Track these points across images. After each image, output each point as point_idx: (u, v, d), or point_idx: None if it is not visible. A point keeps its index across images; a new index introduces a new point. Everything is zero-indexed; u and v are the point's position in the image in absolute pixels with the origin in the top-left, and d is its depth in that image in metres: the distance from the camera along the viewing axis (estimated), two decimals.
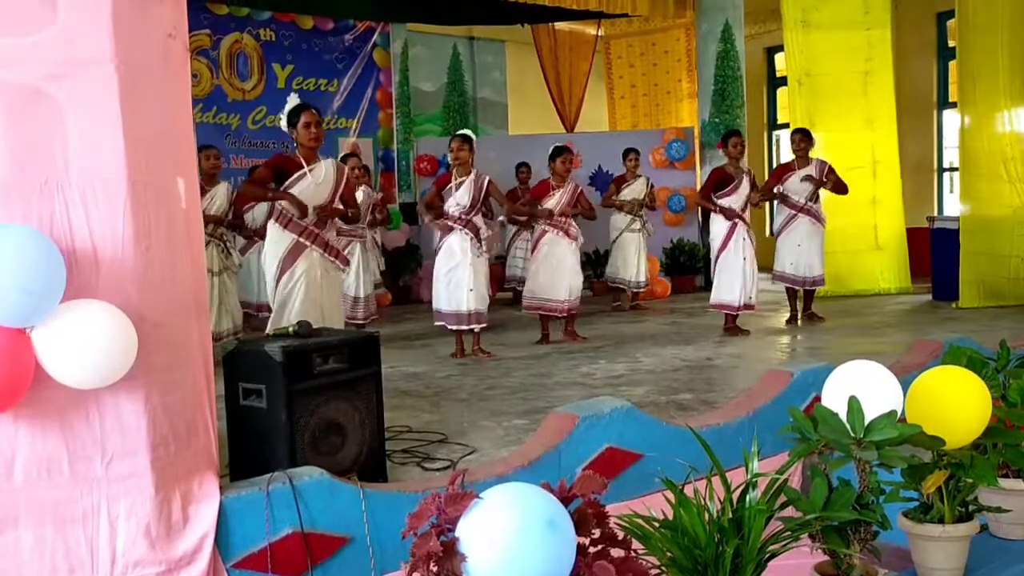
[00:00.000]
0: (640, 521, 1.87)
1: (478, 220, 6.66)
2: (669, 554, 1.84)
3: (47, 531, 2.43)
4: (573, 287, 7.28)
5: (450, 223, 6.66)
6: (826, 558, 2.06)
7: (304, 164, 5.01)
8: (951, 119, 11.60)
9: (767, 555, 1.85)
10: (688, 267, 11.37)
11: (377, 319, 8.02)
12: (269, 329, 4.76)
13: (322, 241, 5.01)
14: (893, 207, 10.32)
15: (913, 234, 10.32)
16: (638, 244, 9.33)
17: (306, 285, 4.90)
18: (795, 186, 7.95)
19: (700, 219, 11.40)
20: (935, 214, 11.24)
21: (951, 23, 10.96)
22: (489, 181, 6.70)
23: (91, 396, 2.43)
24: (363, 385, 3.58)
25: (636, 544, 1.80)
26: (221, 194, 6.86)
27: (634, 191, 9.33)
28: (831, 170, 8.00)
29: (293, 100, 5.07)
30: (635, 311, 9.54)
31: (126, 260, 2.46)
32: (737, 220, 7.40)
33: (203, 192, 6.47)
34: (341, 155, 9.64)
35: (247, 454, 3.37)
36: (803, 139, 8.03)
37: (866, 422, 2.02)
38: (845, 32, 10.17)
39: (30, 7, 2.40)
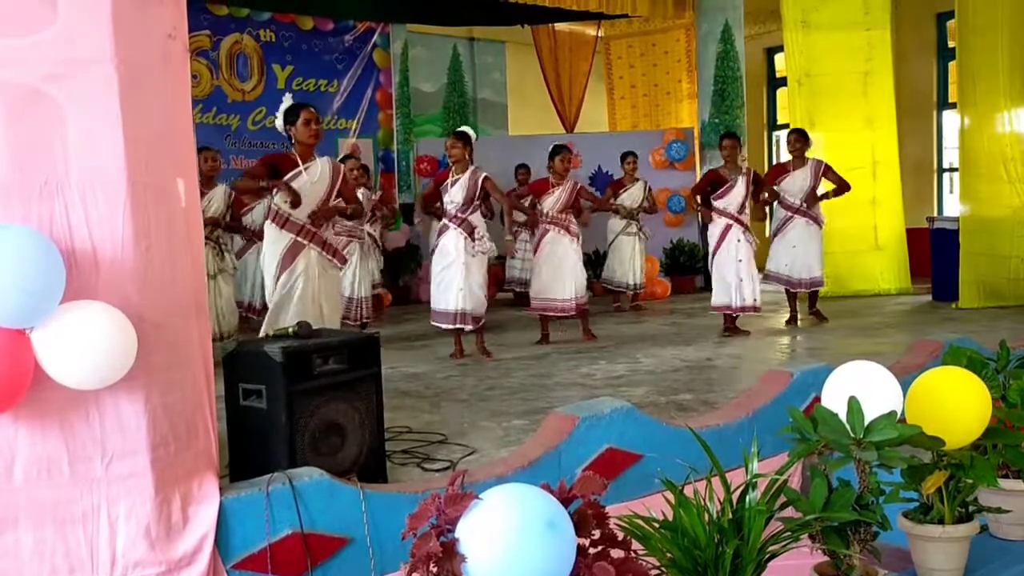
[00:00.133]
0: (640, 522, 1.87)
1: (474, 219, 6.58)
2: (669, 555, 1.84)
3: (47, 532, 2.43)
4: (578, 284, 7.26)
5: (446, 220, 6.66)
6: (826, 559, 2.06)
7: (300, 162, 5.02)
8: (951, 119, 11.60)
9: (767, 556, 1.85)
10: (688, 268, 11.38)
11: (370, 322, 8.00)
12: (265, 327, 4.77)
13: (320, 239, 5.01)
14: (893, 207, 10.32)
15: (913, 234, 10.32)
16: (634, 247, 9.34)
17: (304, 284, 4.91)
18: (791, 187, 7.95)
19: (700, 220, 11.39)
20: (935, 214, 11.24)
21: (951, 24, 10.96)
22: (485, 178, 6.59)
23: (91, 397, 2.43)
24: (363, 386, 3.58)
25: (636, 545, 1.80)
26: (218, 197, 6.85)
27: (632, 195, 9.34)
28: (828, 168, 8.00)
29: (288, 100, 5.08)
30: (635, 311, 9.56)
31: (126, 261, 2.46)
32: (732, 222, 7.40)
33: (201, 194, 6.45)
34: (340, 156, 9.65)
35: (247, 455, 3.37)
36: (799, 139, 8.02)
37: (866, 423, 2.02)
38: (845, 32, 10.17)
39: (30, 7, 2.40)
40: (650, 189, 9.55)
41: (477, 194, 6.56)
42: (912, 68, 12.13)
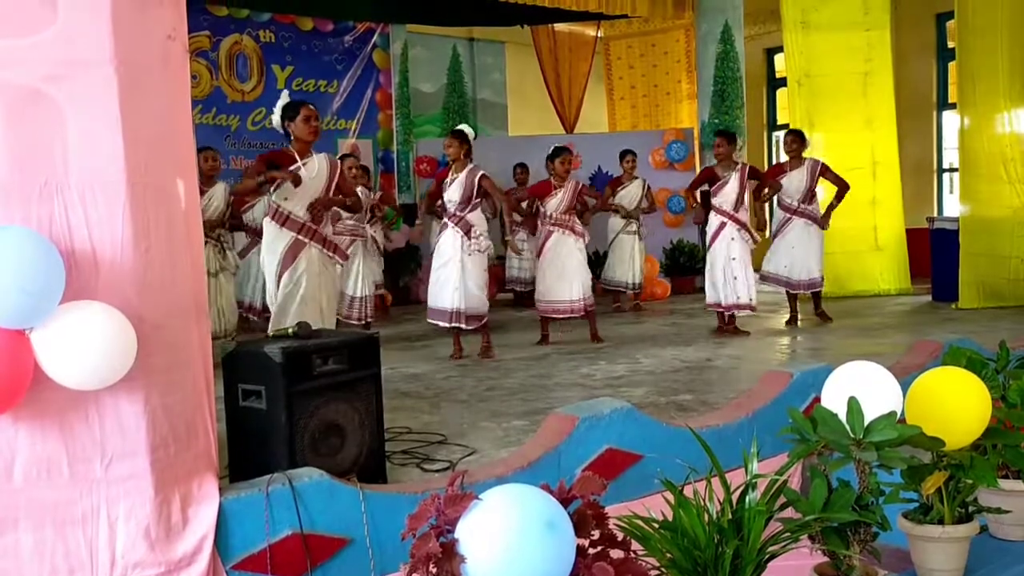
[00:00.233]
0: (640, 522, 1.87)
1: (472, 217, 6.54)
2: (669, 555, 1.84)
3: (47, 532, 2.43)
4: (584, 284, 7.24)
5: (445, 219, 6.65)
6: (826, 559, 2.06)
7: (297, 158, 5.01)
8: (951, 120, 11.61)
9: (767, 556, 1.85)
10: (688, 268, 11.37)
11: (374, 322, 8.01)
12: (271, 328, 4.77)
13: (320, 237, 5.02)
14: (893, 208, 10.32)
15: (913, 235, 10.32)
16: (633, 246, 9.34)
17: (307, 283, 4.90)
18: (788, 188, 7.95)
19: (695, 218, 11.38)
20: (935, 215, 11.23)
21: (951, 24, 10.96)
22: (482, 176, 6.53)
23: (91, 397, 2.43)
24: (363, 386, 3.58)
25: (636, 545, 1.80)
26: (219, 195, 6.85)
27: (630, 192, 9.34)
28: (825, 168, 8.01)
29: (286, 97, 5.07)
30: (635, 312, 9.56)
31: (125, 261, 2.46)
32: (726, 219, 7.40)
33: (201, 193, 6.45)
34: (339, 155, 9.65)
35: (246, 455, 3.36)
36: (795, 140, 8.02)
37: (866, 423, 2.02)
38: (845, 33, 10.17)
39: (30, 7, 2.40)
40: (649, 188, 9.55)
41: (475, 193, 6.52)
42: (912, 68, 12.14)
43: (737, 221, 7.38)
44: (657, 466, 2.67)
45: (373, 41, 11.93)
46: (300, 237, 4.94)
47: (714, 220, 7.48)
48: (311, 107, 5.04)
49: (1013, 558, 2.36)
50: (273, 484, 2.78)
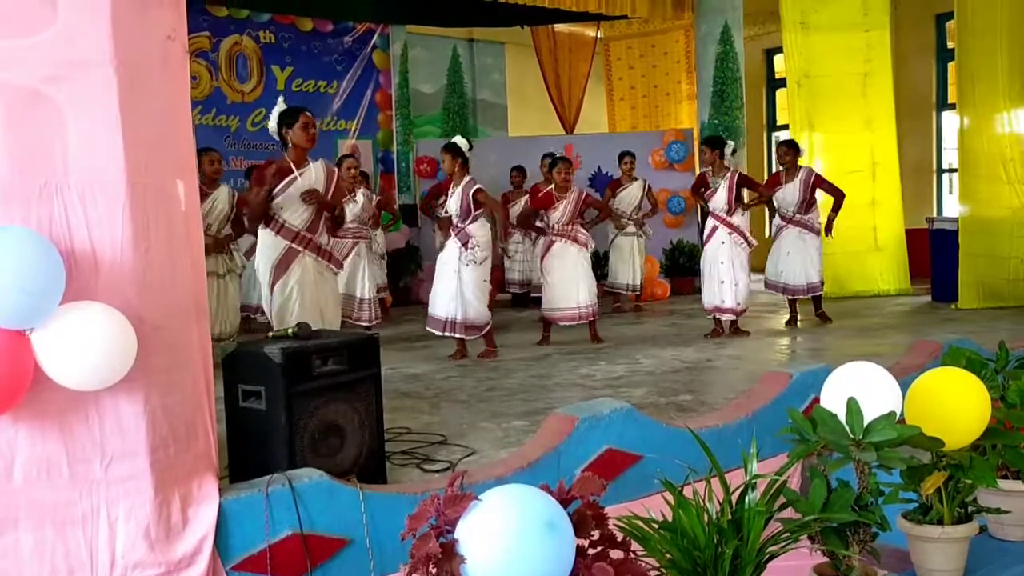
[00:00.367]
0: (639, 523, 1.87)
1: (472, 228, 6.55)
2: (668, 555, 1.84)
3: (47, 533, 2.43)
4: (590, 291, 7.27)
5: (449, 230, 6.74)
6: (825, 559, 2.06)
7: (294, 168, 4.97)
8: (950, 120, 11.61)
9: (766, 556, 1.85)
10: (688, 268, 11.36)
11: (381, 323, 8.03)
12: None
13: (314, 245, 4.96)
14: (892, 208, 10.32)
15: (912, 235, 10.32)
16: (632, 247, 9.35)
17: (302, 292, 4.87)
18: (783, 199, 8.04)
19: (700, 221, 11.40)
20: (934, 215, 11.24)
21: (950, 25, 10.97)
22: (477, 190, 6.52)
23: (91, 398, 2.43)
24: (363, 387, 3.58)
25: (635, 546, 1.80)
26: (223, 197, 6.84)
27: (630, 195, 9.34)
28: (818, 178, 8.04)
29: (282, 104, 5.03)
30: (635, 312, 9.56)
31: (125, 262, 2.47)
32: (718, 223, 7.43)
33: (205, 196, 6.48)
34: (339, 156, 9.65)
35: (246, 456, 3.36)
36: (788, 151, 8.06)
37: (865, 423, 2.02)
38: (844, 34, 10.17)
39: (30, 8, 2.40)
40: (649, 188, 9.54)
41: (472, 206, 6.54)
42: (911, 69, 12.14)
43: (729, 225, 7.40)
44: (657, 466, 2.68)
45: (373, 42, 11.94)
46: (294, 246, 4.91)
47: (709, 223, 7.58)
48: (309, 114, 4.99)
49: (1013, 558, 2.36)
50: (273, 484, 2.78)
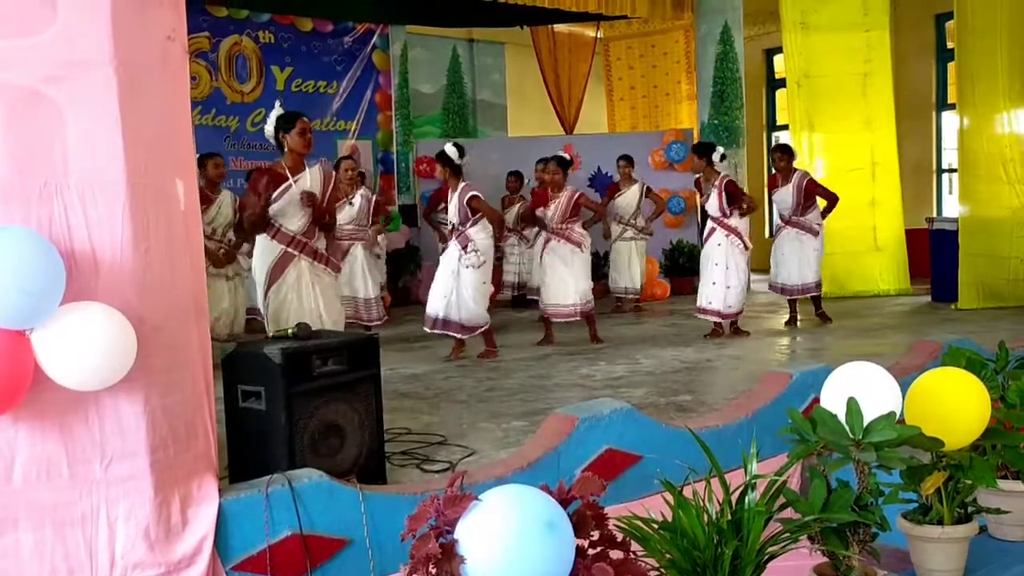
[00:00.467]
0: (639, 523, 1.87)
1: (472, 232, 6.56)
2: (668, 556, 1.84)
3: (46, 533, 2.43)
4: (580, 291, 7.29)
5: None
6: (825, 559, 2.06)
7: (289, 174, 4.93)
8: (950, 121, 11.61)
9: (766, 556, 1.85)
10: (687, 269, 11.35)
11: (388, 321, 8.06)
12: None
13: (310, 250, 4.95)
14: (892, 208, 10.32)
15: (912, 235, 10.32)
16: (630, 251, 9.37)
17: (298, 296, 4.86)
18: (779, 202, 8.11)
19: (699, 221, 11.40)
20: (934, 215, 11.24)
21: (950, 25, 10.96)
22: (471, 197, 6.55)
23: (90, 398, 2.43)
24: (362, 387, 3.58)
25: (635, 546, 1.80)
26: (226, 203, 6.87)
27: (628, 198, 9.34)
28: (811, 181, 8.06)
29: (279, 108, 5.01)
30: (635, 312, 9.56)
31: (125, 262, 2.47)
32: (715, 225, 7.45)
33: (209, 201, 6.51)
34: (338, 156, 9.65)
35: (246, 456, 3.36)
36: (782, 156, 8.09)
37: (865, 423, 2.02)
38: (844, 34, 10.17)
39: (30, 8, 2.40)
40: (649, 188, 9.53)
41: (468, 212, 6.56)
42: (911, 69, 12.14)
43: (726, 227, 7.41)
44: (656, 467, 2.68)
45: (372, 42, 11.94)
46: (289, 250, 4.90)
47: (708, 224, 7.63)
48: (306, 119, 4.98)
49: (1013, 558, 2.36)
50: (273, 485, 2.78)
